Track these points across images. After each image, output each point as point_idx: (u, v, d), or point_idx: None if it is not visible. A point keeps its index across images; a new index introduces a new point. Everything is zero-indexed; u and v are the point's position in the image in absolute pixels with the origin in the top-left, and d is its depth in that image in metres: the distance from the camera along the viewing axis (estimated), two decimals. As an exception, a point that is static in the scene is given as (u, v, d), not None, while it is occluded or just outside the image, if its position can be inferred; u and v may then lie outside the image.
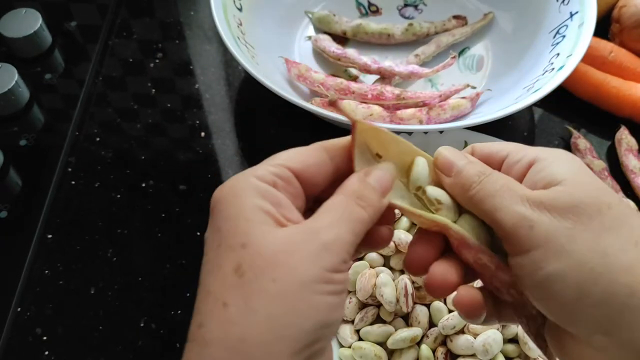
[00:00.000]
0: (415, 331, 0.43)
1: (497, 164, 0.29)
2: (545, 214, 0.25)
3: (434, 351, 0.43)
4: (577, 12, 0.56)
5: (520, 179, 0.28)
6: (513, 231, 0.25)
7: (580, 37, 0.54)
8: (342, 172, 0.27)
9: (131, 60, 0.65)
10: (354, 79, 0.62)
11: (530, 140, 0.59)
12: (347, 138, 0.27)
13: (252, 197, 0.24)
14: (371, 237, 0.27)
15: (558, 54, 0.55)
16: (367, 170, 0.27)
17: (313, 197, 0.27)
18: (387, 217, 0.27)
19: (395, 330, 0.44)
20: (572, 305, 0.24)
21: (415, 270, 0.28)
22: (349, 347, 0.44)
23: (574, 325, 0.25)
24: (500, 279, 0.27)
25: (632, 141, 0.57)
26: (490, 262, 0.27)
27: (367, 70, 0.60)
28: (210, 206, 0.25)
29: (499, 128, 0.55)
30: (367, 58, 0.60)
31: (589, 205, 0.25)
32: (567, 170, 0.26)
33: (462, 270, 0.28)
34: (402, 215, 0.47)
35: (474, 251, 0.27)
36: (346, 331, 0.44)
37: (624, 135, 0.57)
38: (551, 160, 0.27)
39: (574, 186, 0.26)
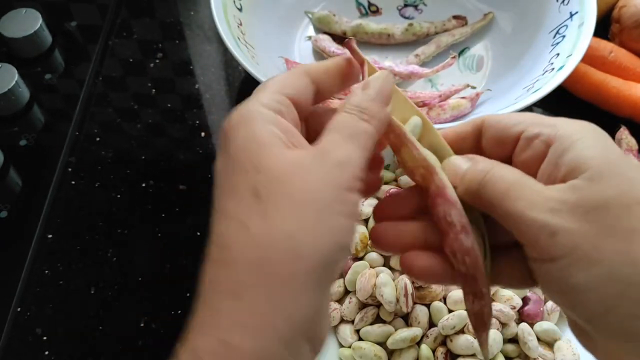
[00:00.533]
0: (415, 331, 0.43)
1: (511, 142, 0.27)
2: (567, 218, 0.23)
3: (433, 351, 0.43)
4: (577, 12, 0.56)
5: (539, 160, 0.26)
6: (532, 238, 0.24)
7: (580, 37, 0.54)
8: (322, 95, 0.28)
9: (131, 60, 0.65)
10: (354, 79, 0.61)
11: (530, 140, 0.59)
12: (329, 61, 0.28)
13: (263, 123, 0.24)
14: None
15: (558, 54, 0.55)
16: (365, 83, 0.27)
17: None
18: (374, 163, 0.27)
19: (395, 330, 0.44)
20: (600, 316, 0.23)
21: (378, 214, 0.28)
22: (349, 347, 0.44)
23: (603, 334, 0.24)
24: (460, 243, 0.25)
25: (632, 141, 0.57)
26: (458, 221, 0.26)
27: (367, 70, 0.59)
28: (221, 137, 0.25)
29: (499, 128, 0.54)
30: (367, 58, 0.60)
31: (618, 202, 0.23)
32: (594, 153, 0.24)
33: (423, 235, 0.27)
34: None
35: (448, 204, 0.26)
36: (346, 331, 0.44)
37: (624, 136, 0.57)
38: (574, 139, 0.25)
39: (602, 178, 0.23)
